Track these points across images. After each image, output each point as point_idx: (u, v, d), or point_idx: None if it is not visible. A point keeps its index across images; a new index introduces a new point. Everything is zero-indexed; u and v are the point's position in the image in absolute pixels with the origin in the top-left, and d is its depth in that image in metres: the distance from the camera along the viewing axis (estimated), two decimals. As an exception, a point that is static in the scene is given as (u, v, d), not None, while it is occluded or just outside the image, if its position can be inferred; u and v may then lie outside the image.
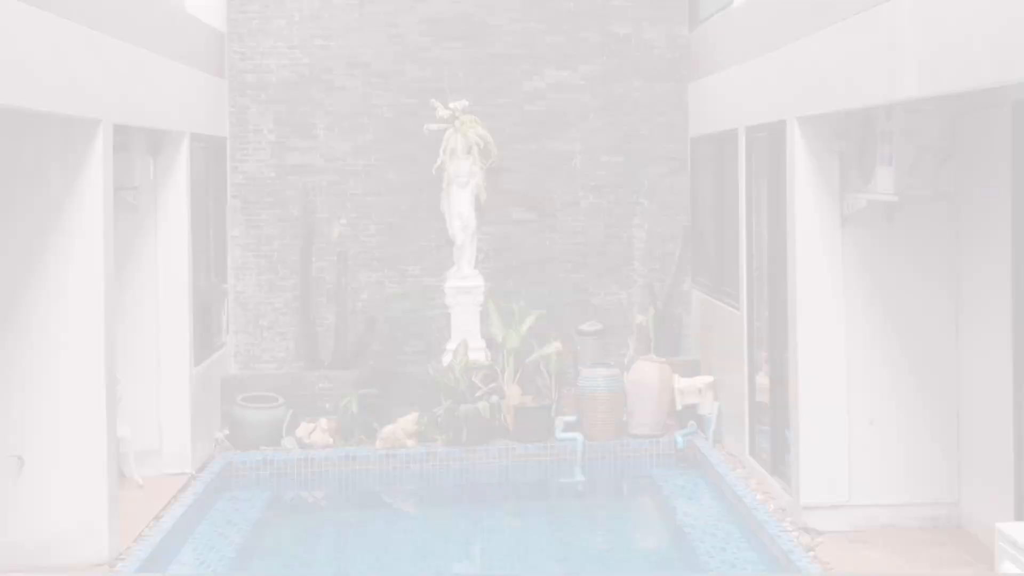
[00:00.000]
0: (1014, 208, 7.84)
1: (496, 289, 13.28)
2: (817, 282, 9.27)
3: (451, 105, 12.89)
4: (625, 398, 12.07)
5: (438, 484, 11.82)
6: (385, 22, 13.38)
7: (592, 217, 13.53)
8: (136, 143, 10.91)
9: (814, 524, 9.12)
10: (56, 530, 8.75)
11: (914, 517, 9.17)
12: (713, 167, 12.67)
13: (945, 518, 9.11)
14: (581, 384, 12.07)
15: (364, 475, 11.84)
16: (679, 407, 12.12)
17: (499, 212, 13.36)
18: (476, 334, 12.88)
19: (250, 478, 11.75)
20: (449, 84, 13.40)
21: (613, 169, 13.57)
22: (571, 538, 10.20)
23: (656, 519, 10.89)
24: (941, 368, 9.15)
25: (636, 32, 13.57)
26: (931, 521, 9.15)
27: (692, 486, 11.20)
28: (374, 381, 12.67)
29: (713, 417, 11.93)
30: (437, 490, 11.80)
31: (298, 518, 11.32)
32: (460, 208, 12.90)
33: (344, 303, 13.19)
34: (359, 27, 13.37)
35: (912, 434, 9.22)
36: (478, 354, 12.62)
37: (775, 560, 8.68)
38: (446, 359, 12.70)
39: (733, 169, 11.60)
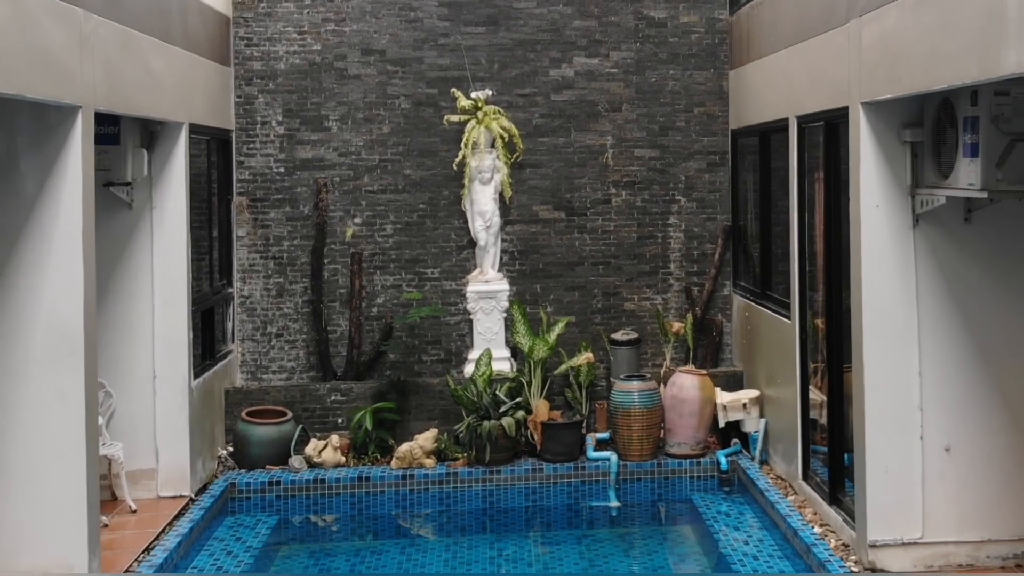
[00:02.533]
0: None
1: (522, 294, 12.30)
2: (885, 289, 8.15)
3: (473, 95, 11.98)
4: (663, 414, 10.92)
5: (459, 508, 10.72)
6: (402, 5, 12.36)
7: (625, 216, 12.46)
8: (129, 135, 9.85)
9: (883, 564, 7.99)
10: (29, 568, 7.68)
11: (996, 556, 8.06)
12: (758, 161, 11.53)
13: (1032, 558, 7.94)
14: (614, 398, 10.94)
15: (378, 498, 10.75)
16: (722, 424, 10.98)
17: (525, 210, 12.37)
18: (500, 343, 11.81)
19: (254, 501, 10.68)
20: (471, 72, 12.38)
21: (647, 164, 12.51)
22: (604, 571, 9.05)
23: (698, 551, 9.73)
24: (1028, 387, 7.99)
25: (672, 16, 12.48)
26: (1014, 560, 7.99)
27: (738, 514, 10.06)
28: (390, 394, 11.59)
29: (759, 436, 10.79)
30: (457, 514, 10.68)
31: (306, 546, 10.22)
32: (483, 206, 11.90)
33: (358, 309, 12.10)
34: (374, 11, 12.33)
35: (994, 462, 8.10)
36: (502, 364, 11.53)
37: (841, 607, 7.54)
38: (468, 370, 11.62)
39: (782, 163, 10.47)
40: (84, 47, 7.85)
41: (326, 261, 12.29)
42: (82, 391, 7.87)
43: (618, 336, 11.63)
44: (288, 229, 12.36)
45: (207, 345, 11.46)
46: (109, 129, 9.74)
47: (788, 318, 10.10)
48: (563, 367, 11.29)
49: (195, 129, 10.74)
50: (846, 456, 8.79)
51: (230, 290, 12.26)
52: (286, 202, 12.36)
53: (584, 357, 11.15)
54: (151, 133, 10.31)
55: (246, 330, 12.33)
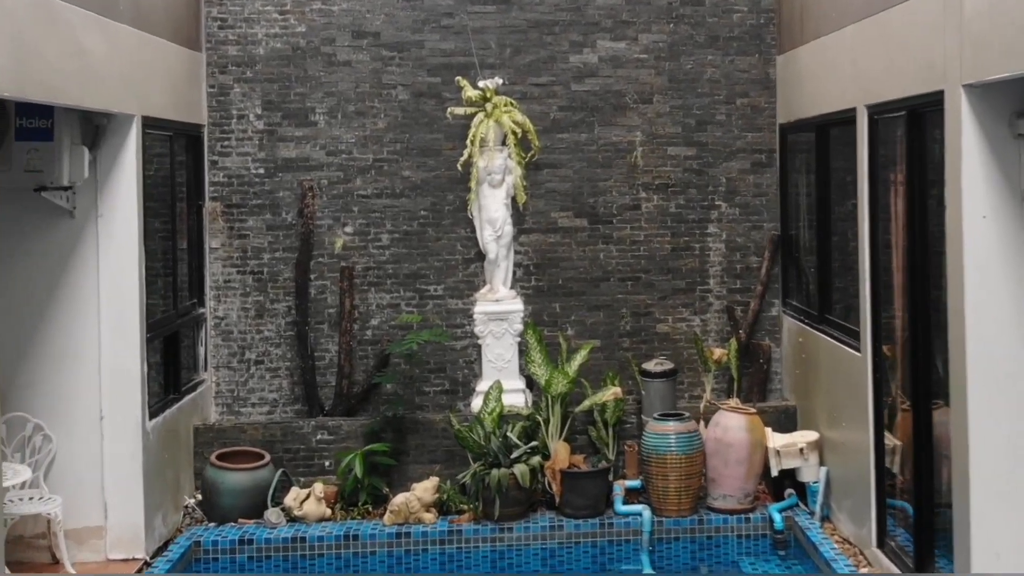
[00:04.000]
0: None
1: (538, 314, 10.71)
2: (995, 311, 6.51)
3: (481, 84, 10.40)
4: (704, 460, 9.20)
5: (463, 572, 8.98)
6: (399, -18, 10.72)
7: (657, 224, 10.84)
8: (66, 130, 8.19)
9: (997, 669, 6.25)
10: None
11: None
12: (812, 160, 9.86)
13: None
14: (647, 442, 9.24)
15: (368, 560, 9.12)
16: (774, 473, 9.26)
17: (541, 217, 10.78)
18: (513, 371, 10.17)
19: (222, 563, 9.08)
20: (479, 58, 10.76)
21: (683, 164, 10.87)
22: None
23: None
24: None
25: (711, -8, 10.80)
26: None
27: (799, 585, 8.33)
28: (385, 433, 9.97)
29: (820, 487, 9.06)
30: (461, 581, 8.98)
31: (279, 623, 8.52)
32: (492, 213, 10.34)
33: (349, 332, 10.52)
34: (367, -13, 10.69)
35: None
36: (515, 398, 9.89)
37: None
38: (476, 404, 9.98)
39: (847, 161, 8.81)
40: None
41: (313, 276, 10.73)
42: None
43: (651, 367, 9.91)
44: (269, 239, 10.80)
45: (171, 377, 9.88)
46: (40, 123, 8.09)
47: (857, 349, 8.38)
48: (586, 403, 9.59)
49: (152, 123, 9.16)
50: (944, 518, 7.06)
51: (201, 311, 10.64)
52: (266, 208, 10.79)
53: (611, 392, 9.44)
54: (96, 128, 8.66)
55: (221, 356, 10.73)
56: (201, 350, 10.68)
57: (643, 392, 9.90)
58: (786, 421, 9.95)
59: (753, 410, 9.39)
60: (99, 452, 8.74)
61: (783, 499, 9.30)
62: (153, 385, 9.27)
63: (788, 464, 9.21)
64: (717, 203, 10.85)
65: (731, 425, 9.20)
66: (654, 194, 10.83)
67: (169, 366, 9.84)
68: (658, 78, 10.86)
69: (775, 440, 9.26)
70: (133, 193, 8.78)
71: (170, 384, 9.82)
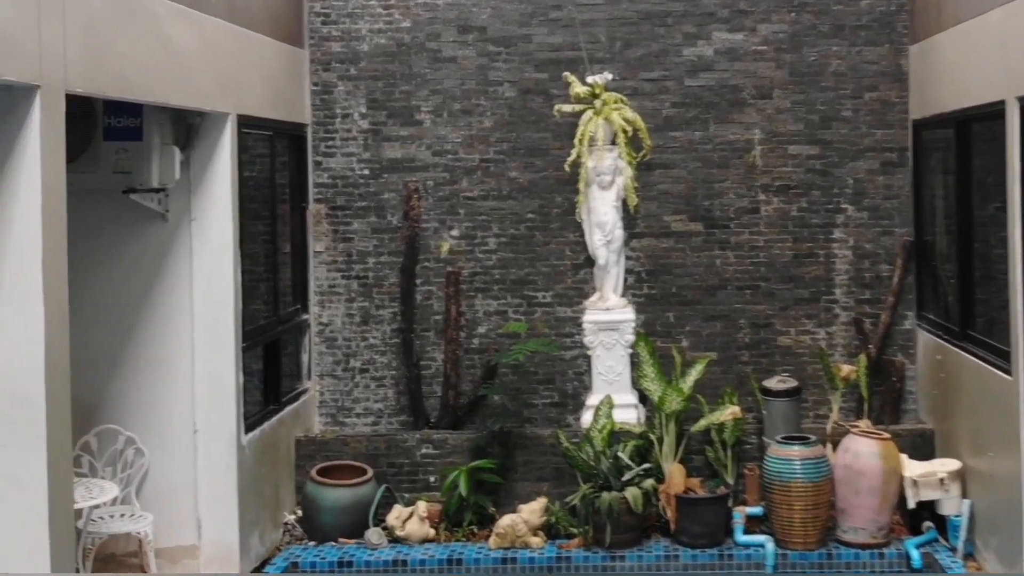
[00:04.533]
0: None
1: (650, 324, 9.76)
2: None
3: (590, 80, 9.52)
4: (832, 488, 8.14)
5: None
6: (506, -26, 9.90)
7: (777, 228, 9.80)
8: (156, 129, 7.47)
9: None
10: None
11: None
12: (951, 159, 8.76)
13: None
14: (769, 467, 8.23)
15: (472, 586, 8.18)
16: (911, 504, 8.17)
17: (653, 221, 9.83)
18: (624, 385, 9.28)
19: (320, 586, 8.21)
20: (588, 53, 9.85)
21: (805, 164, 9.81)
22: None
23: None
24: None
25: (837, -22, 9.76)
26: None
27: (941, 631, 7.24)
28: (492, 448, 9.15)
29: (962, 521, 7.94)
30: (570, 612, 8.08)
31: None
32: (602, 216, 9.44)
33: (455, 341, 9.73)
34: (473, -19, 9.88)
35: None
36: (627, 413, 9.00)
37: None
38: (585, 418, 9.09)
39: (992, 160, 7.68)
40: (44, 9, 5.42)
41: (418, 282, 9.95)
42: (44, 475, 5.47)
43: (772, 384, 8.88)
44: (374, 243, 10.03)
45: (271, 387, 9.17)
46: (128, 122, 7.38)
47: (1008, 371, 7.25)
48: (702, 423, 8.61)
49: (250, 122, 8.47)
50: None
51: (305, 317, 9.91)
52: (371, 210, 10.02)
53: (729, 412, 8.45)
54: (188, 128, 7.93)
55: (325, 364, 10.01)
56: (305, 358, 9.98)
57: (764, 411, 8.88)
58: (922, 446, 8.84)
59: (887, 435, 8.32)
60: (192, 467, 8.06)
61: (921, 533, 8.21)
62: (252, 396, 8.66)
63: (927, 495, 8.12)
64: (843, 206, 9.78)
65: (863, 451, 8.14)
66: (774, 196, 9.81)
67: (269, 375, 9.15)
68: (778, 71, 9.83)
69: (912, 468, 8.17)
70: (228, 195, 8.06)
71: (270, 394, 9.13)
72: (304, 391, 9.83)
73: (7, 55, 5.19)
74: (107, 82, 6.20)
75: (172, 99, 7.08)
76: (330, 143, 10.02)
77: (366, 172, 9.99)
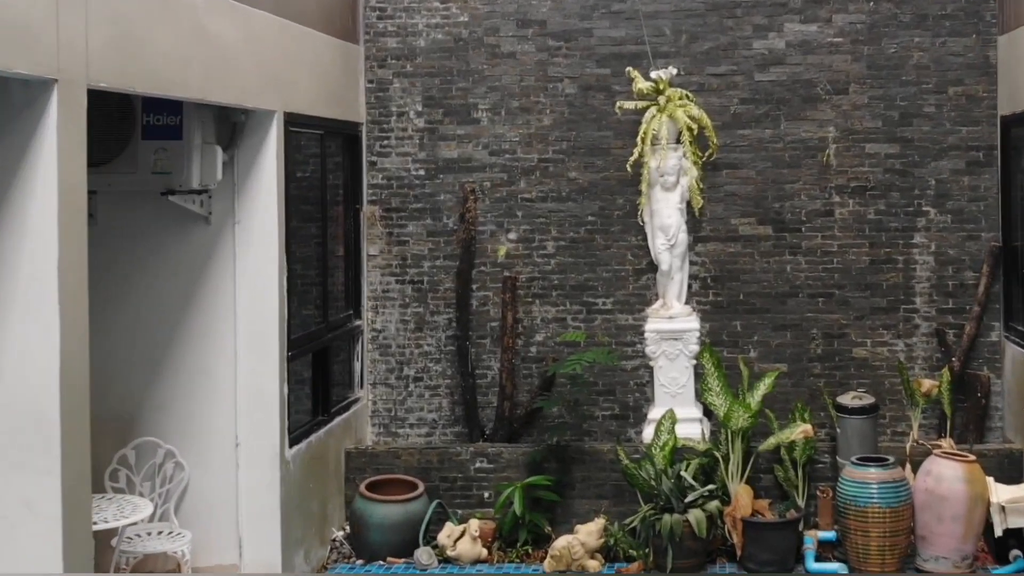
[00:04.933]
0: None
1: (716, 334, 9.22)
2: None
3: (654, 75, 8.96)
4: (912, 514, 7.44)
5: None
6: (567, -34, 9.35)
7: (853, 232, 9.14)
8: (197, 127, 6.98)
9: None
10: None
11: None
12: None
13: None
14: (844, 490, 7.56)
15: (524, 612, 7.62)
16: (998, 532, 7.46)
17: (720, 224, 9.24)
18: (688, 398, 8.69)
19: (365, 607, 7.68)
20: (652, 47, 9.24)
21: (884, 163, 9.14)
22: None
23: None
24: None
25: (918, -35, 9.13)
26: None
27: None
28: (548, 463, 8.60)
29: (1056, 551, 7.20)
30: (628, 641, 7.46)
31: None
32: (665, 219, 8.90)
33: (511, 349, 9.22)
34: (532, -27, 9.33)
35: None
36: (691, 428, 8.40)
37: None
38: (647, 433, 8.51)
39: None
40: None
41: (474, 287, 9.43)
42: (58, 500, 4.99)
43: (847, 400, 8.20)
44: (429, 246, 9.52)
45: (320, 397, 8.67)
46: (168, 120, 6.90)
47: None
48: (771, 441, 7.96)
49: (299, 121, 8.03)
50: None
51: (358, 323, 9.44)
52: (427, 212, 9.52)
53: (800, 430, 7.77)
54: (233, 126, 7.44)
55: (379, 372, 9.53)
56: (357, 365, 9.52)
57: (838, 429, 8.21)
58: (1009, 468, 8.13)
59: (972, 457, 7.60)
60: (234, 483, 7.59)
61: (1009, 563, 7.46)
62: (299, 406, 8.21)
63: (1015, 522, 7.41)
64: (924, 209, 9.10)
65: (946, 474, 7.43)
66: (849, 198, 9.17)
67: (318, 385, 8.68)
68: (855, 64, 9.17)
69: (999, 493, 7.45)
70: (274, 197, 7.58)
71: (319, 405, 8.64)
72: (356, 400, 9.36)
73: (20, 47, 4.73)
74: (137, 77, 5.71)
75: (211, 95, 6.59)
76: (385, 142, 9.55)
77: (421, 172, 9.50)
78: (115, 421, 7.47)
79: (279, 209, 7.56)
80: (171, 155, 7.00)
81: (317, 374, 8.61)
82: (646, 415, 8.89)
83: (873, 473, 7.53)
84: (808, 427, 7.79)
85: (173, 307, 7.56)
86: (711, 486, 7.73)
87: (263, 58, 7.33)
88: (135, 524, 6.91)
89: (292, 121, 7.81)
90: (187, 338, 7.56)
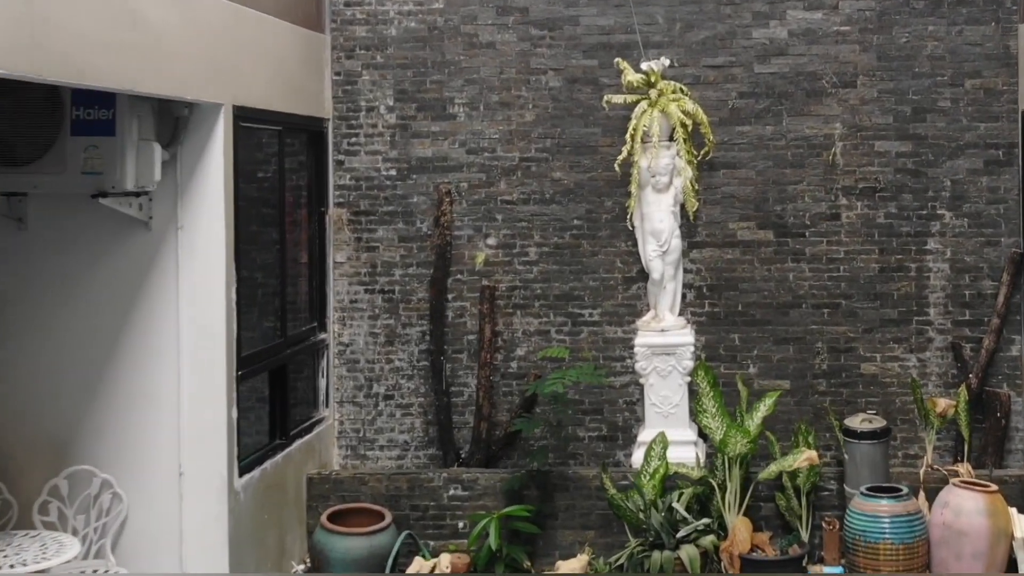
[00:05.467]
0: None
1: (712, 348, 8.69)
2: None
3: (645, 67, 8.44)
4: (928, 550, 6.85)
5: None
6: (550, -52, 8.89)
7: (861, 238, 8.63)
8: (132, 122, 6.40)
9: None
10: None
11: None
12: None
13: None
14: (852, 523, 7.01)
15: (498, 657, 7.01)
16: (1023, 569, 6.81)
17: (716, 228, 8.74)
18: (682, 418, 8.18)
19: (323, 652, 7.10)
20: (643, 36, 8.73)
21: (895, 163, 8.63)
22: None
23: None
24: None
25: (931, -52, 8.65)
26: None
27: None
28: (528, 490, 8.05)
29: (1088, 592, 6.62)
30: None
31: None
32: (657, 223, 8.41)
33: (489, 365, 8.69)
34: (512, -44, 8.86)
35: None
36: (684, 451, 7.89)
37: None
38: (636, 457, 7.98)
39: None
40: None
41: (450, 297, 8.91)
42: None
43: (856, 424, 7.65)
44: (401, 253, 9.00)
45: (278, 419, 8.13)
46: (100, 114, 6.31)
47: None
48: (773, 469, 7.41)
49: (252, 116, 7.48)
50: None
51: (323, 336, 8.85)
52: (398, 216, 8.99)
53: (804, 457, 7.20)
54: (176, 121, 6.84)
55: (346, 390, 9.01)
56: (322, 382, 8.97)
57: (846, 455, 7.64)
58: (1036, 498, 7.53)
59: (994, 487, 7.05)
60: (177, 515, 7.04)
61: (1036, 605, 6.88)
62: (254, 430, 7.69)
63: (1042, 560, 6.79)
64: (939, 212, 8.59)
65: (965, 507, 6.87)
66: (857, 200, 8.65)
67: (276, 405, 8.11)
68: (863, 55, 8.66)
69: (1022, 527, 6.82)
70: (220, 200, 7.02)
71: (276, 427, 8.08)
72: (320, 420, 8.82)
73: None
74: (46, 63, 5.10)
75: (143, 86, 5.99)
76: (353, 140, 9.02)
77: (392, 172, 8.99)
78: (45, 448, 6.95)
79: (226, 213, 7.00)
80: (103, 153, 6.42)
81: (275, 393, 8.07)
82: (636, 437, 8.32)
83: (885, 506, 6.95)
84: (813, 454, 7.21)
85: (110, 321, 6.98)
86: (706, 520, 7.14)
87: (208, 46, 6.76)
88: (67, 563, 6.32)
89: (243, 116, 7.25)
90: (125, 356, 6.98)
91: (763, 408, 7.59)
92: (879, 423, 7.67)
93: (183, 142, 6.96)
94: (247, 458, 7.34)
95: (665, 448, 7.49)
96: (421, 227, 8.92)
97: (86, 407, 6.97)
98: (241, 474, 7.18)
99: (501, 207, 8.87)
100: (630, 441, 8.53)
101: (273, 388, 8.03)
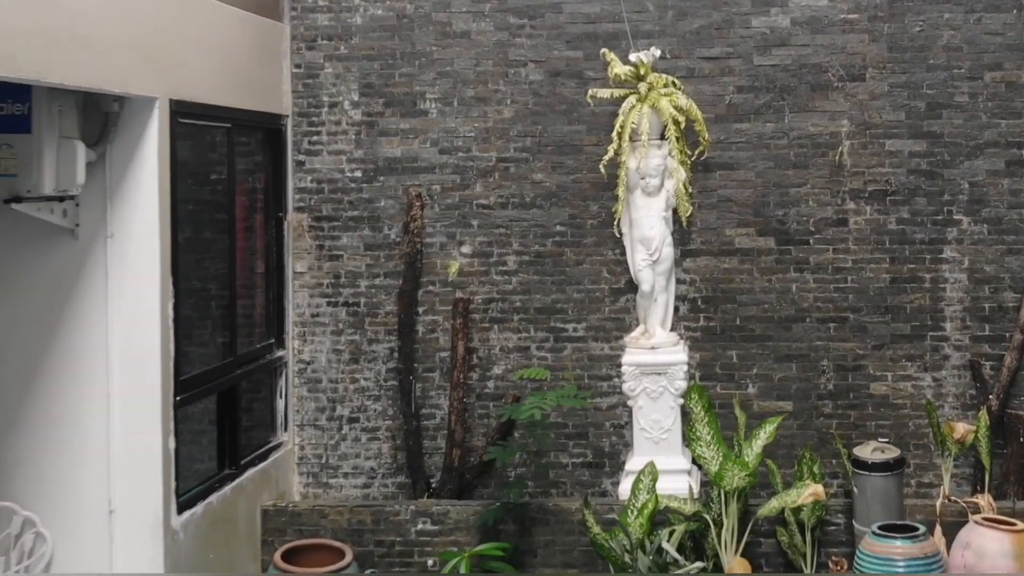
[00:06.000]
0: None
1: (707, 366, 8.21)
2: None
3: (633, 58, 7.94)
4: (949, 594, 6.28)
5: None
6: (530, -71, 8.47)
7: (871, 245, 8.13)
8: (51, 118, 5.79)
9: None
10: None
11: None
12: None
13: None
14: (863, 565, 6.47)
15: None
16: (1055, 617, 6.26)
17: (712, 235, 8.27)
18: (674, 445, 7.71)
19: None
20: (632, 25, 8.23)
21: (907, 163, 8.12)
22: None
23: None
24: None
25: (946, -73, 8.21)
26: None
27: None
28: (504, 524, 7.50)
29: None
30: None
31: None
32: (647, 230, 7.91)
33: (462, 386, 8.18)
34: (489, -62, 8.50)
35: None
36: (676, 481, 7.38)
37: None
38: (623, 488, 7.49)
39: None
40: None
41: (421, 310, 8.43)
42: None
43: (867, 453, 7.07)
44: (367, 262, 8.53)
45: (227, 446, 7.57)
46: (13, 108, 5.75)
47: None
48: (774, 504, 6.82)
49: (195, 111, 7.00)
50: None
51: (280, 353, 8.29)
52: (364, 222, 8.54)
53: (809, 492, 6.60)
54: (105, 116, 6.23)
55: (307, 412, 8.54)
56: (281, 404, 8.48)
57: (855, 487, 7.03)
58: (1065, 536, 6.92)
59: (1020, 525, 6.44)
60: (107, 557, 6.53)
61: (1067, 657, 6.27)
62: (199, 460, 7.21)
63: (1077, 609, 6.18)
64: (956, 217, 8.08)
65: (988, 548, 6.31)
66: (866, 205, 8.16)
67: (225, 432, 7.57)
68: (873, 46, 8.18)
69: (1054, 569, 6.24)
70: (155, 205, 6.50)
71: (225, 456, 7.52)
72: (279, 446, 8.29)
73: None
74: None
75: (61, 76, 5.41)
76: (315, 139, 8.57)
77: (358, 174, 8.53)
78: (-39, 483, 6.35)
79: (162, 219, 6.46)
80: (17, 153, 5.89)
81: (224, 418, 7.56)
82: (624, 464, 7.75)
83: (900, 547, 6.34)
84: (819, 489, 6.59)
85: (31, 341, 6.46)
86: (699, 564, 6.52)
87: (141, 32, 6.20)
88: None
89: (183, 111, 6.70)
90: (49, 380, 6.45)
91: (763, 435, 6.98)
92: (892, 452, 7.07)
93: (112, 140, 6.41)
94: (188, 492, 6.85)
95: (654, 480, 6.88)
96: (389, 234, 8.47)
97: (7, 437, 6.44)
98: (181, 510, 6.63)
99: (477, 212, 8.41)
100: (617, 468, 8.02)
101: (222, 412, 7.52)
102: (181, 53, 6.67)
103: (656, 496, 6.83)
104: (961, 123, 8.02)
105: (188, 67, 6.76)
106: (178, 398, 6.58)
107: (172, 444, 6.49)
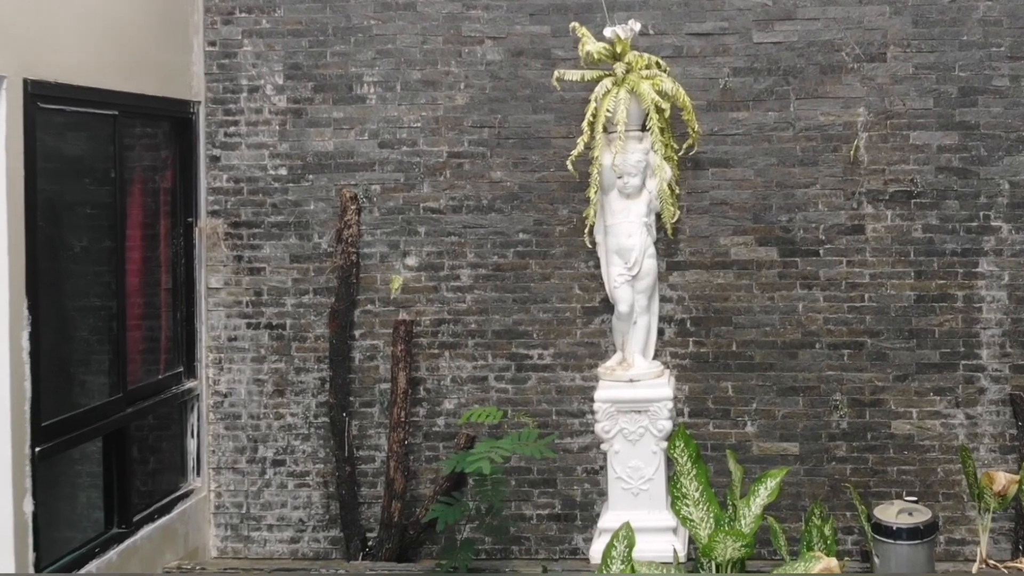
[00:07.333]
0: None
1: (697, 400, 7.58)
2: None
3: (608, 33, 7.37)
4: None
5: None
6: None
7: (892, 256, 7.45)
8: None
9: None
10: None
11: None
12: None
13: None
14: (890, 656, 5.34)
15: None
16: None
17: (703, 245, 7.67)
18: (657, 498, 6.90)
19: None
20: (607, -5, 7.77)
21: (936, 159, 7.44)
22: None
23: None
24: None
25: None
26: None
27: None
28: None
29: None
30: None
31: None
32: (624, 238, 7.29)
33: (403, 425, 7.38)
34: None
35: None
36: (658, 545, 6.56)
37: None
38: (595, 550, 6.72)
39: None
40: None
41: (357, 334, 7.83)
42: None
43: (891, 516, 6.20)
44: (294, 276, 7.95)
45: (115, 501, 6.74)
46: None
47: None
48: (778, 578, 5.76)
49: (62, 95, 6.19)
50: None
51: (191, 384, 7.61)
52: (290, 228, 7.99)
53: (820, 567, 5.58)
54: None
55: (224, 453, 8.08)
56: (192, 444, 7.88)
57: (876, 557, 6.13)
58: None
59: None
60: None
61: None
62: (80, 519, 6.39)
63: None
64: (994, 223, 7.40)
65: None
66: (887, 208, 7.51)
67: (113, 484, 6.77)
68: (895, 20, 7.59)
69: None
70: (3, 208, 5.35)
71: (113, 513, 6.74)
72: (189, 493, 7.54)
73: None
74: None
75: None
76: (231, 130, 8.04)
77: (283, 172, 7.98)
78: None
79: (11, 227, 5.62)
80: None
81: (111, 467, 6.69)
82: (598, 519, 7.00)
83: (933, 636, 5.36)
84: (832, 562, 5.62)
85: None
86: (684, 653, 5.55)
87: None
88: None
89: (43, 94, 5.86)
90: None
91: (764, 492, 6.04)
92: (922, 516, 6.14)
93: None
94: (58, 561, 6.03)
95: (630, 547, 5.92)
96: (320, 243, 7.93)
97: None
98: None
99: (424, 217, 7.84)
100: (591, 521, 7.46)
101: (108, 460, 6.77)
102: (41, 23, 5.77)
103: (632, 565, 5.86)
104: (1000, 112, 7.37)
105: (52, 41, 5.90)
106: (37, 449, 5.72)
107: (29, 506, 5.58)
